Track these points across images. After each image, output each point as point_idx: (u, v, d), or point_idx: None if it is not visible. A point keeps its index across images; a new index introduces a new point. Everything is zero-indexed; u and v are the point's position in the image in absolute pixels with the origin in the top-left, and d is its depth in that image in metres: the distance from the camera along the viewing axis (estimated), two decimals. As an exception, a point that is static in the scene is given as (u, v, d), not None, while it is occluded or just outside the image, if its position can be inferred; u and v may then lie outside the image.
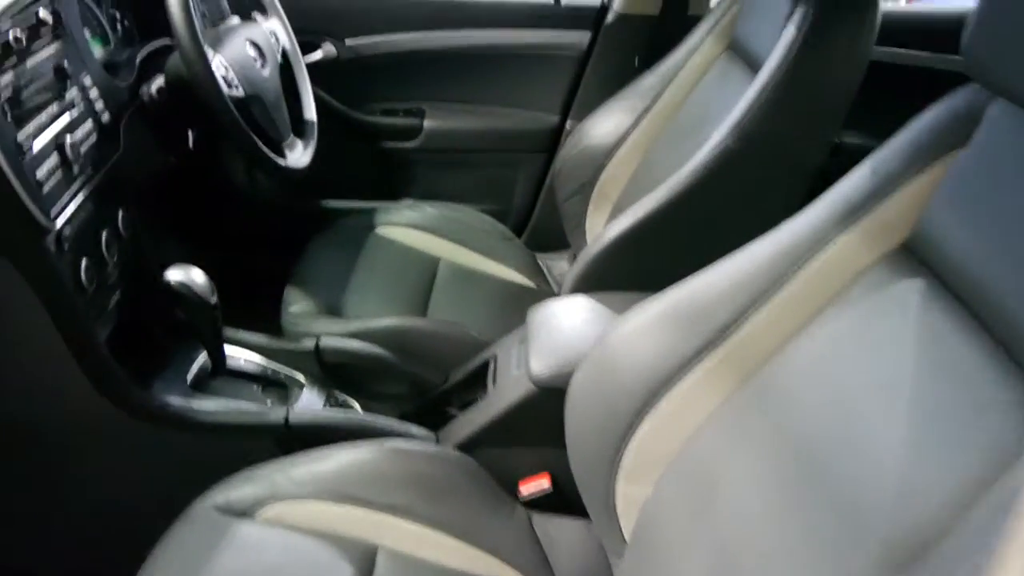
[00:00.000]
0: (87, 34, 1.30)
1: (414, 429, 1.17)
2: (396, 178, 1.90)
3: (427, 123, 1.85)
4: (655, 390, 0.77)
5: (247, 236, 1.78)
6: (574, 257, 1.63)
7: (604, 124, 1.54)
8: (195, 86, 1.14)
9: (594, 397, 0.84)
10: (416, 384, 1.30)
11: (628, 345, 0.83)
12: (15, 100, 0.92)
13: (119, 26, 1.39)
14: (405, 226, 1.61)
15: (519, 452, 1.08)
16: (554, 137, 1.87)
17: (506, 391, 1.10)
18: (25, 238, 0.91)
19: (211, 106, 1.15)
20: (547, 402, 1.02)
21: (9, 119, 0.90)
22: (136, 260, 1.18)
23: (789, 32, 1.10)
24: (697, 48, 1.46)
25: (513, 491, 1.05)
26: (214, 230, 1.77)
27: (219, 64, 1.23)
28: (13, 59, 0.94)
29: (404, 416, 1.24)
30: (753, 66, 1.25)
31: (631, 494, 0.79)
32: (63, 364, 0.99)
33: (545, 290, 1.56)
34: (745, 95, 1.12)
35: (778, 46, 1.11)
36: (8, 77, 0.92)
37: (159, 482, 1.07)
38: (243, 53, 1.31)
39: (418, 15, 1.79)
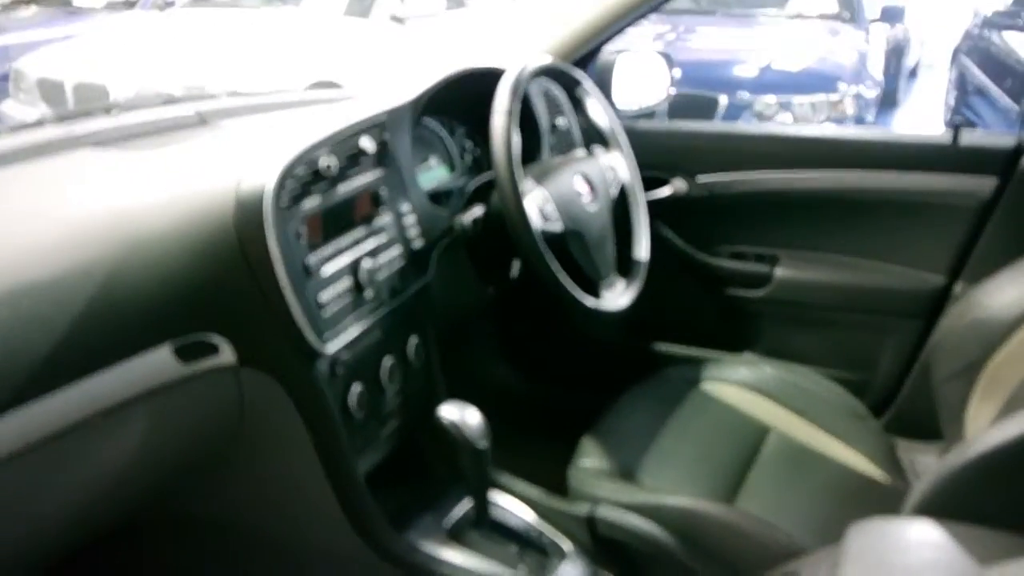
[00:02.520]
0: (433, 161, 1.36)
1: None
2: (736, 329, 1.72)
3: (779, 271, 1.65)
4: None
5: (562, 371, 1.71)
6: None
7: (1006, 292, 1.21)
8: (505, 217, 1.12)
9: None
10: (698, 585, 1.07)
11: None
12: (315, 223, 0.95)
13: (467, 155, 1.44)
14: (737, 385, 1.42)
15: None
16: (936, 302, 1.54)
17: None
18: (295, 359, 0.91)
19: (517, 238, 1.12)
20: None
21: (303, 241, 0.92)
22: (422, 391, 1.15)
23: None
24: None
25: None
26: (525, 361, 1.73)
27: (538, 196, 1.20)
28: (323, 184, 0.97)
29: None
30: None
31: None
32: (318, 489, 0.98)
33: (900, 490, 1.24)
34: None
35: None
36: (313, 201, 0.95)
37: None
38: (569, 187, 1.27)
39: (782, 153, 1.62)
